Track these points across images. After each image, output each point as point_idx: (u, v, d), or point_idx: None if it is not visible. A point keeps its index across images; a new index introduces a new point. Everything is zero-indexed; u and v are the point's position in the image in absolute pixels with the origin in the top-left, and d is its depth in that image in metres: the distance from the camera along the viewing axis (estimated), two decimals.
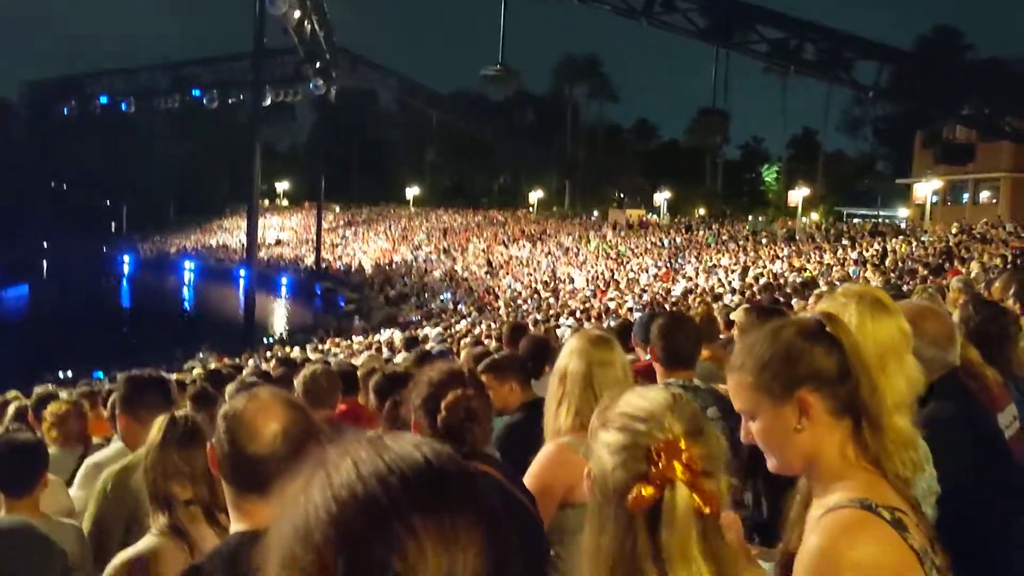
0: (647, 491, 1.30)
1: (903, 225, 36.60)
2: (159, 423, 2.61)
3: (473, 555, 0.71)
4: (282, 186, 76.08)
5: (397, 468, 0.74)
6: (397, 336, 17.74)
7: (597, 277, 34.53)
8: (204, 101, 43.60)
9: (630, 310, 18.37)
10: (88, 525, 3.26)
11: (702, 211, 54.88)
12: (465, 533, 0.72)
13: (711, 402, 3.33)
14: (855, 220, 41.87)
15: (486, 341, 12.17)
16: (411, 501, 0.72)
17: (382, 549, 0.70)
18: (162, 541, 2.49)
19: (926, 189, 38.29)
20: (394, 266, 47.48)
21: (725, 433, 3.24)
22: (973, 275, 10.94)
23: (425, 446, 0.78)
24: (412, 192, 66.76)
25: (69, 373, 17.74)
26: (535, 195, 61.39)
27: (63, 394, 7.18)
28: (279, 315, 42.42)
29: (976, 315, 3.55)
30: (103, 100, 46.38)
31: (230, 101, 45.04)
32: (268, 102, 40.16)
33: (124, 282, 58.27)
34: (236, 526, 1.93)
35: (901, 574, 1.57)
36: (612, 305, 23.60)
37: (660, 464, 1.31)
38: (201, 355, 21.77)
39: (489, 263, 43.41)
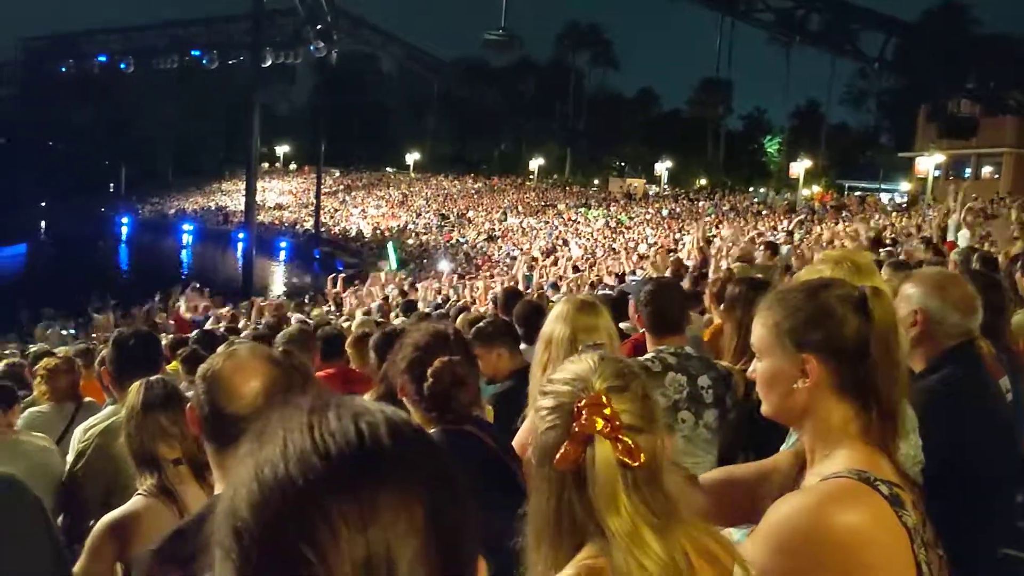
0: (571, 448, 1.34)
1: (904, 199, 36.49)
2: (135, 388, 2.61)
3: (403, 536, 0.69)
4: (282, 149, 75.70)
5: (323, 445, 0.72)
6: (391, 293, 17.51)
7: (595, 246, 34.44)
8: (203, 62, 43.20)
9: (621, 278, 18.25)
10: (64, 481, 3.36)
11: (703, 181, 54.69)
12: (392, 514, 0.69)
13: (702, 370, 3.32)
14: (856, 193, 41.69)
15: (483, 308, 12.13)
16: (329, 483, 0.70)
17: (295, 536, 0.68)
18: (149, 501, 2.49)
19: (928, 163, 38.15)
20: (392, 232, 47.34)
21: (715, 400, 3.27)
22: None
23: (367, 417, 0.75)
24: (412, 158, 66.43)
25: (72, 331, 17.67)
26: (535, 163, 61.12)
27: (59, 351, 7.24)
28: (277, 278, 42.37)
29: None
30: (101, 59, 45.98)
31: (230, 62, 44.62)
32: (268, 64, 39.74)
33: (122, 243, 58.12)
34: (220, 486, 1.91)
35: (890, 549, 1.56)
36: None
37: (581, 421, 1.34)
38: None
39: (490, 234, 43.30)
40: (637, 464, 1.32)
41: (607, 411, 1.34)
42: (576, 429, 1.34)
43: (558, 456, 1.35)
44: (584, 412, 1.34)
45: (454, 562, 0.72)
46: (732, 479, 2.09)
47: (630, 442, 1.32)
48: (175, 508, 2.43)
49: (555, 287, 14.43)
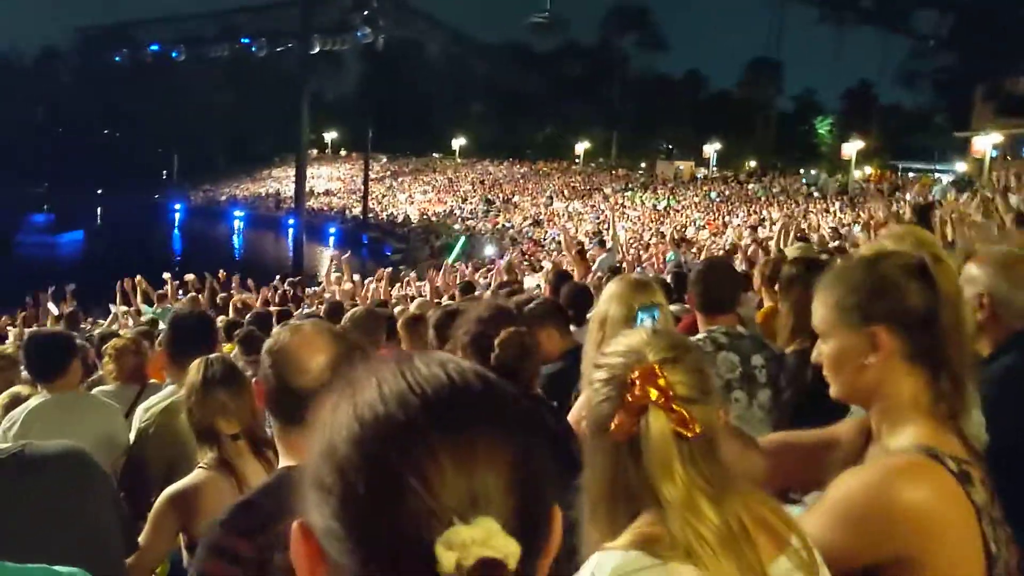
0: (625, 418, 1.34)
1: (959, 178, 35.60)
2: (196, 365, 2.68)
3: (496, 473, 0.72)
4: (330, 136, 76.29)
5: (419, 387, 0.75)
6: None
7: (642, 230, 34.24)
8: (252, 49, 43.73)
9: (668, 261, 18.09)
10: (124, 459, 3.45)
11: (753, 163, 54.01)
12: (487, 451, 0.73)
13: (755, 349, 3.30)
14: (909, 174, 40.84)
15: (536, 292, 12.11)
16: (430, 420, 0.73)
17: (400, 467, 0.71)
18: (210, 474, 2.57)
19: (985, 143, 37.17)
20: (439, 217, 47.56)
21: (768, 380, 3.24)
22: None
23: (452, 364, 0.79)
24: (458, 143, 66.56)
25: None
26: (581, 146, 60.82)
27: (124, 332, 7.40)
28: (326, 263, 42.82)
29: None
30: (154, 48, 46.76)
31: (278, 49, 45.07)
32: (316, 50, 40.10)
33: (176, 230, 59.26)
34: (284, 460, 1.95)
35: (957, 526, 1.54)
36: (654, 261, 23.37)
37: (635, 391, 1.34)
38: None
39: (536, 219, 43.25)
40: (692, 435, 1.33)
41: (661, 382, 1.34)
42: (630, 400, 1.35)
43: (613, 427, 1.36)
44: (638, 383, 1.35)
45: (536, 502, 0.75)
46: (794, 444, 2.07)
47: (685, 413, 1.33)
48: (234, 481, 2.49)
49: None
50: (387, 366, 0.79)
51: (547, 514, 0.78)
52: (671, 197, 41.72)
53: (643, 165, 56.62)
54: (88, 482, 2.14)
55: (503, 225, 43.16)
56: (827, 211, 29.86)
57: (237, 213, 58.49)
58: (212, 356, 2.74)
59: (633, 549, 1.31)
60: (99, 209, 58.64)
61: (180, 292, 11.40)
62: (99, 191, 60.02)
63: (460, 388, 0.76)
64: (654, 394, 1.33)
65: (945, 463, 1.56)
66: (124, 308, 10.67)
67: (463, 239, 31.75)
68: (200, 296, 9.80)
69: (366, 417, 0.74)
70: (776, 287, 4.45)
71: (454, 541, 0.68)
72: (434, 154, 68.13)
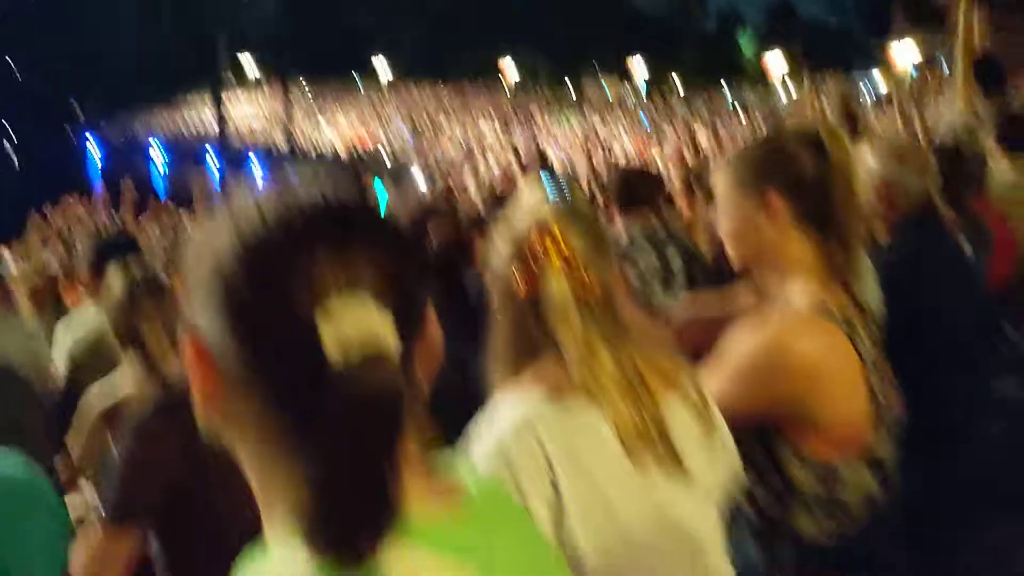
0: (528, 279, 1.44)
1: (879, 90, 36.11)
2: (116, 273, 2.65)
3: (373, 274, 0.77)
4: (250, 63, 73.49)
5: (297, 207, 0.80)
6: None
7: (571, 152, 34.09)
8: None
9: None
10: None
11: (678, 84, 53.98)
12: (364, 255, 0.78)
13: (674, 247, 3.39)
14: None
15: None
16: (308, 233, 0.78)
17: (286, 278, 0.75)
18: (137, 381, 2.57)
19: (902, 52, 37.52)
20: (367, 146, 46.59)
21: (686, 276, 3.36)
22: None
23: (330, 186, 0.84)
24: (382, 67, 64.81)
25: None
26: (509, 68, 59.85)
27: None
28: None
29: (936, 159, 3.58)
30: None
31: None
32: None
33: (94, 165, 57.03)
34: None
35: (846, 376, 1.65)
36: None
37: (536, 253, 1.43)
38: None
39: (468, 147, 42.67)
40: (590, 294, 1.42)
41: (560, 244, 1.42)
42: (531, 261, 1.43)
43: (516, 287, 1.45)
44: (538, 245, 1.43)
45: (410, 299, 0.81)
46: (700, 318, 2.18)
47: (583, 273, 1.42)
48: (162, 384, 2.49)
49: None
50: (264, 194, 0.84)
51: (421, 313, 0.83)
52: (602, 118, 41.52)
53: (571, 85, 56.10)
54: (13, 388, 2.15)
55: (435, 157, 42.53)
56: (755, 130, 30.12)
57: (157, 151, 56.44)
58: (131, 262, 2.71)
59: (536, 396, 1.41)
60: (10, 150, 56.15)
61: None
62: (9, 131, 57.35)
63: (338, 205, 0.82)
64: (553, 256, 1.41)
65: (833, 317, 1.67)
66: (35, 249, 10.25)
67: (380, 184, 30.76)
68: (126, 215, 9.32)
69: (247, 234, 0.79)
70: (697, 195, 4.58)
71: (331, 310, 0.73)
72: (354, 72, 65.92)
